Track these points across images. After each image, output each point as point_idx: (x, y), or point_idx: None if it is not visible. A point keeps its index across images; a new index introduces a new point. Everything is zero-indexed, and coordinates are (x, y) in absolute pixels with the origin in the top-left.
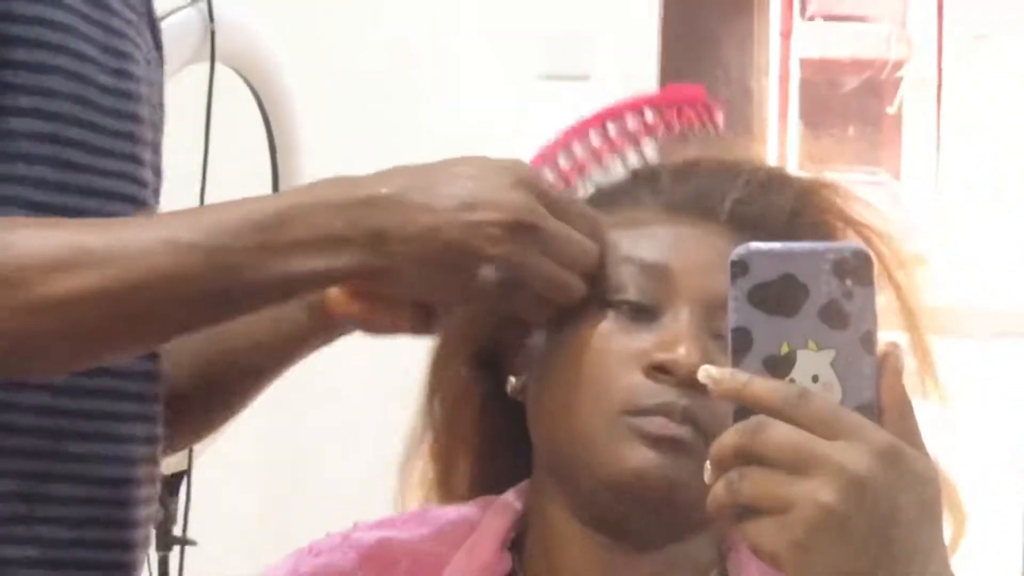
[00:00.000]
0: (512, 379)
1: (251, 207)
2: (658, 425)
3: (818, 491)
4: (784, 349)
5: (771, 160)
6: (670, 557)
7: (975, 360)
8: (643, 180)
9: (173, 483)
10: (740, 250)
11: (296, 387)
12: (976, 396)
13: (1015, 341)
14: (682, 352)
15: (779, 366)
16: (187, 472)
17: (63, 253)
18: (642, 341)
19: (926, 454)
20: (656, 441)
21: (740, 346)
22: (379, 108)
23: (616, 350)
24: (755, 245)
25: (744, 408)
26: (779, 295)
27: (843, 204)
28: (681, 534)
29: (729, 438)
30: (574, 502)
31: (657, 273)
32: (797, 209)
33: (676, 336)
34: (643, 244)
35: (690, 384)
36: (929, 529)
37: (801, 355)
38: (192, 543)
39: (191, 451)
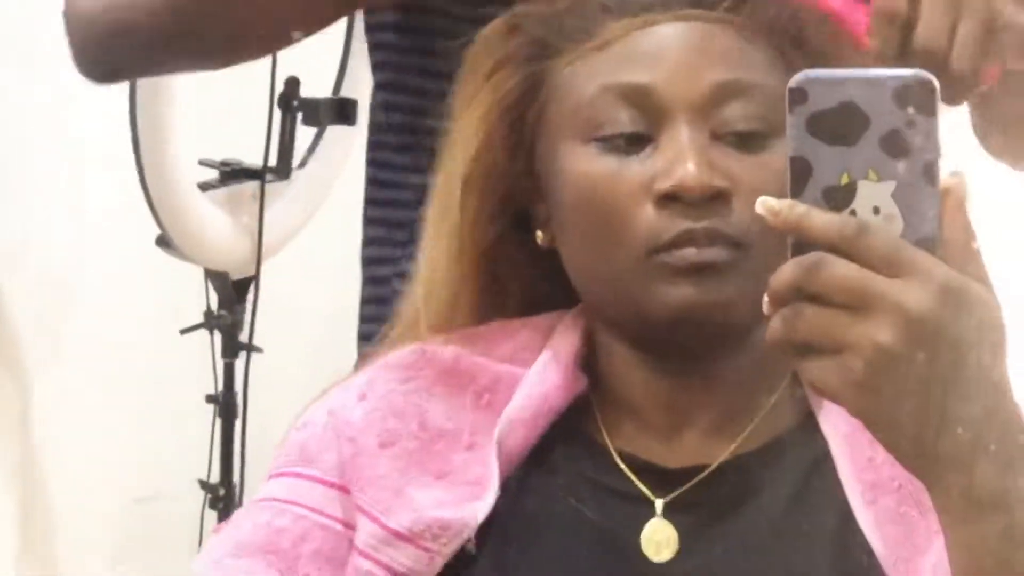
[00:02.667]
0: (539, 233)
1: None
2: (687, 256)
3: (877, 331)
4: (844, 179)
5: None
6: (739, 377)
7: None
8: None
9: (240, 289)
10: (799, 77)
11: None
12: None
13: None
14: (689, 170)
15: (839, 197)
16: (255, 278)
17: None
18: (645, 171)
19: (991, 288)
20: (689, 272)
21: (799, 176)
22: None
23: (622, 189)
24: (814, 72)
25: (803, 242)
26: (839, 123)
27: None
28: (744, 347)
29: (786, 273)
30: (627, 336)
31: (642, 93)
32: None
33: (677, 156)
34: (620, 66)
35: (704, 202)
36: (995, 365)
37: (862, 186)
38: (258, 350)
39: (259, 257)
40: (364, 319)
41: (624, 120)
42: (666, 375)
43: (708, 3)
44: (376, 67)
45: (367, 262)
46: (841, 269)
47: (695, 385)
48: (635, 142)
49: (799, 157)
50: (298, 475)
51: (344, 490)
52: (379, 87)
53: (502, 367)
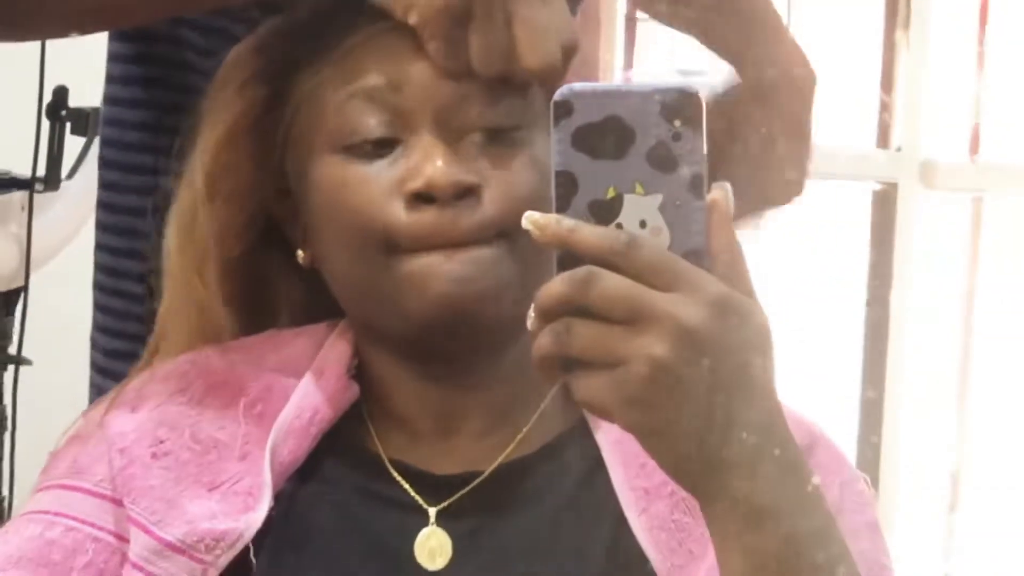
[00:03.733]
0: (300, 253)
1: None
2: (442, 253)
3: (652, 345)
4: (610, 193)
5: None
6: (507, 381)
7: (819, 198)
8: (334, 8)
9: (9, 300)
10: (563, 90)
11: None
12: (814, 234)
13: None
14: (439, 167)
15: (605, 211)
16: (24, 289)
17: None
18: (395, 173)
19: (755, 299)
20: (443, 267)
21: (564, 190)
22: None
23: (372, 193)
24: (579, 85)
25: (569, 255)
26: (604, 137)
27: None
28: (510, 350)
29: (556, 288)
30: (393, 344)
31: (387, 97)
32: None
33: (425, 155)
34: (363, 73)
35: (455, 199)
36: (764, 370)
37: (628, 199)
38: (27, 362)
39: (28, 268)
40: (95, 326)
41: (371, 125)
42: (433, 382)
43: None
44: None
45: (97, 267)
46: (614, 283)
47: (463, 391)
48: (383, 147)
49: (564, 171)
50: (69, 487)
51: (116, 502)
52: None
53: (274, 377)
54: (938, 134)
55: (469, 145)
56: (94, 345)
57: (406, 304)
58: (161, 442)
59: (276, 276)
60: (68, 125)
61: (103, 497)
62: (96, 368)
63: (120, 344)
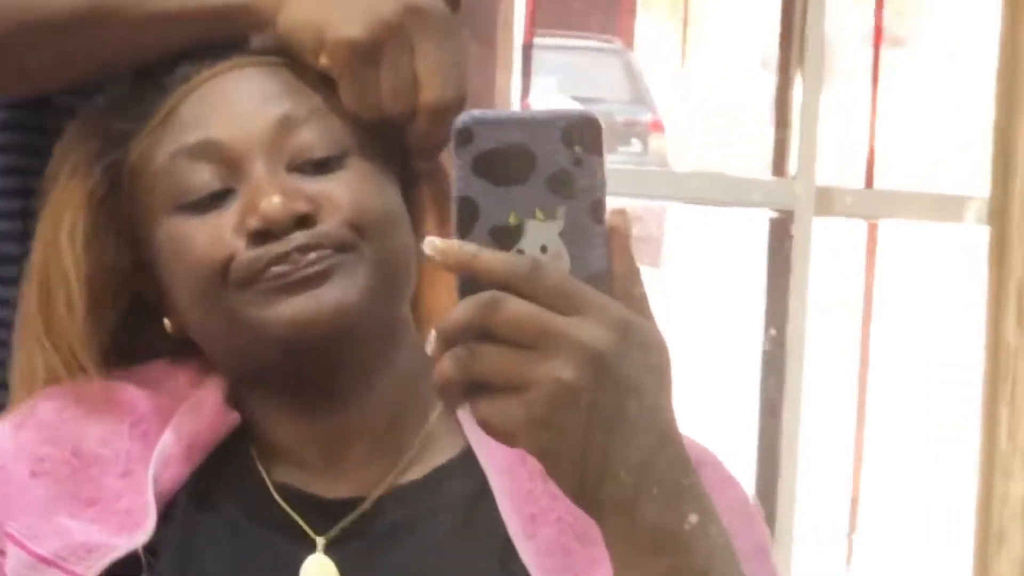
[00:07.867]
0: (167, 321)
1: None
2: (284, 272)
3: (559, 369)
4: (512, 219)
5: (502, 24)
6: (384, 405)
7: (716, 226)
8: (147, 75)
9: None
10: (464, 117)
11: None
12: (711, 262)
13: (757, 211)
14: (273, 202)
15: (507, 237)
16: None
17: None
18: (233, 217)
19: (654, 322)
20: (291, 286)
21: (466, 216)
22: None
23: (215, 243)
24: (479, 112)
25: (471, 280)
26: (506, 164)
27: None
28: (384, 372)
29: (460, 313)
30: (266, 383)
31: (211, 148)
32: None
33: (258, 192)
34: (185, 130)
35: (292, 229)
36: (664, 395)
37: (529, 225)
38: None
39: None
40: None
41: (202, 180)
42: (310, 413)
43: (255, 50)
44: None
45: None
46: (519, 307)
47: (340, 419)
48: (218, 198)
49: (465, 197)
50: None
51: None
52: None
53: (162, 399)
54: (833, 162)
55: (300, 177)
56: None
57: (266, 331)
58: (41, 460)
59: (156, 348)
60: None
61: None
62: None
63: None
